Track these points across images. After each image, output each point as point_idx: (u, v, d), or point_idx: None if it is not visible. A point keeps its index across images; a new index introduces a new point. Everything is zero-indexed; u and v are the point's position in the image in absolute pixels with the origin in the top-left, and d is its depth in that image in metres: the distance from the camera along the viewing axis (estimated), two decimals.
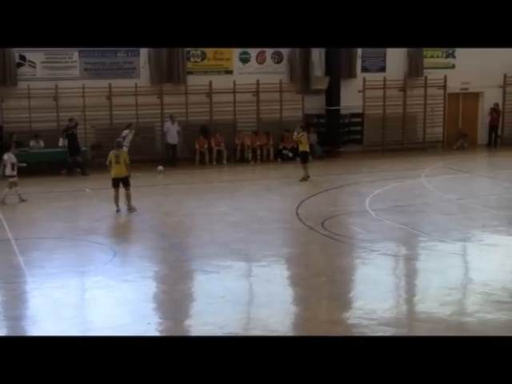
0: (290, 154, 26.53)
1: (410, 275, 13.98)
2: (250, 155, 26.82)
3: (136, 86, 25.74)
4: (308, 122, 26.10)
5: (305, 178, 22.44)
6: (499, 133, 29.62)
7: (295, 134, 23.21)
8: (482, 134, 29.76)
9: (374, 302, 11.88)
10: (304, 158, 22.65)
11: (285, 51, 27.09)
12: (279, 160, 26.96)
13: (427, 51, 28.41)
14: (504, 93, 29.67)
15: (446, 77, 28.56)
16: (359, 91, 27.66)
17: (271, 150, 27.04)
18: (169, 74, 26.37)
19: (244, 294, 12.53)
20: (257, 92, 27.03)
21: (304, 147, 22.66)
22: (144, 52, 25.96)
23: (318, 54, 27.06)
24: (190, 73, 26.64)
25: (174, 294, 12.18)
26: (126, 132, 24.90)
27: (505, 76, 29.35)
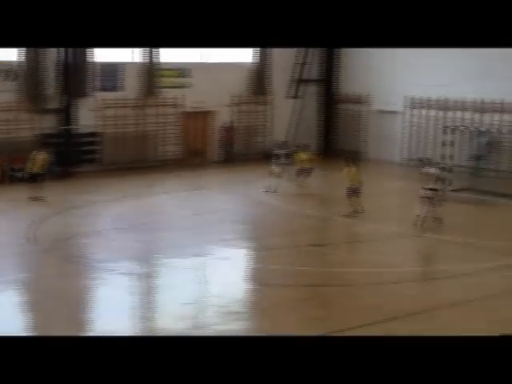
0: (22, 175, 25.34)
1: (148, 292, 14.08)
2: None
3: None
4: (43, 142, 25.28)
5: (39, 198, 21.74)
6: (232, 149, 30.81)
7: (34, 153, 22.46)
8: (217, 151, 30.79)
9: (112, 322, 11.82)
10: (38, 178, 22.02)
11: (18, 69, 26.03)
12: (10, 181, 25.64)
13: (163, 71, 28.85)
14: (235, 111, 30.95)
15: (182, 95, 29.18)
16: (94, 110, 27.41)
17: (1, 171, 25.76)
18: None
19: None
20: None
21: (42, 168, 22.13)
22: None
23: (52, 72, 26.41)
24: None
25: None
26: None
27: (235, 96, 30.67)
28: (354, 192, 20.08)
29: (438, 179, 19.52)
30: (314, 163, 23.70)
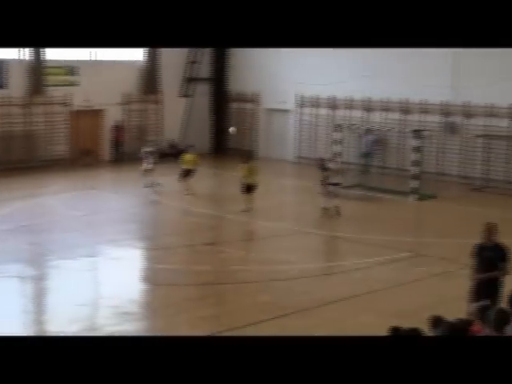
0: None
1: (38, 295, 13.74)
2: None
3: None
4: None
5: None
6: (123, 149, 30.40)
7: None
8: (107, 150, 30.31)
9: (2, 325, 11.45)
10: None
11: None
12: None
13: (50, 69, 28.14)
14: (125, 110, 30.57)
15: (70, 94, 28.58)
16: None
17: None
18: None
19: None
20: None
21: None
22: None
23: None
24: None
25: None
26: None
27: (125, 95, 30.28)
28: (247, 188, 20.30)
29: (340, 174, 20.81)
30: (197, 164, 23.54)
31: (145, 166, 23.53)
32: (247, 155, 22.23)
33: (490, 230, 10.76)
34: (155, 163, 23.63)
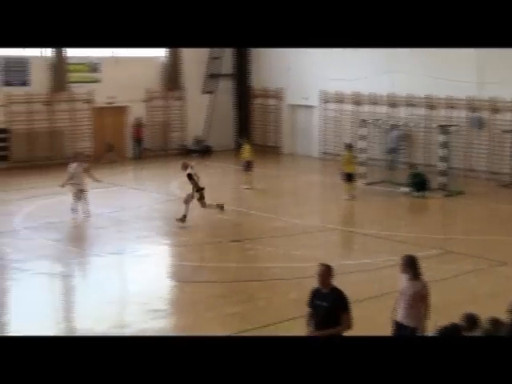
0: None
1: (67, 292, 13.69)
2: None
3: None
4: None
5: None
6: (144, 145, 30.34)
7: None
8: (130, 147, 30.28)
9: (31, 323, 11.41)
10: None
11: None
12: None
13: (72, 66, 28.15)
14: (148, 107, 30.50)
15: (92, 91, 28.56)
16: (1, 105, 26.53)
17: None
18: None
19: None
20: None
21: None
22: None
23: None
24: None
25: None
26: (74, 166, 19.82)
27: (147, 91, 30.22)
28: (348, 176, 21.24)
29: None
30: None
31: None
32: (347, 145, 22.44)
33: (324, 273, 8.79)
34: None
